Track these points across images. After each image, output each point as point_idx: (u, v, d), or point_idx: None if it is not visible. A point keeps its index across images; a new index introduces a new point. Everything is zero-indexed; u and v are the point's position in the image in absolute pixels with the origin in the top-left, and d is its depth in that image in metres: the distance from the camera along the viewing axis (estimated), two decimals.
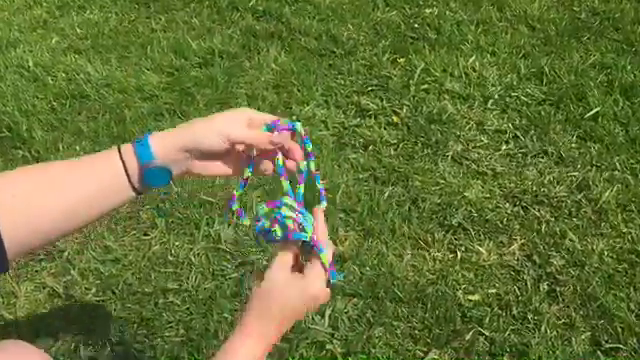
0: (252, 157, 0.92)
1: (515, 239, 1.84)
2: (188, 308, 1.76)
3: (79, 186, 0.83)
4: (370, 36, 2.67)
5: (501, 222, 1.89)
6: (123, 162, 0.85)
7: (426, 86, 2.38)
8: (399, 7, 2.81)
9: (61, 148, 2.32)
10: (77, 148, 2.32)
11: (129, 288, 1.84)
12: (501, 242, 1.84)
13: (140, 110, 2.45)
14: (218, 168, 0.92)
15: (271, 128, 0.89)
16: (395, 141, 2.19)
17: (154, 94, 2.51)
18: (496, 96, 2.29)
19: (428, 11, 2.75)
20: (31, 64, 2.72)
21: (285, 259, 0.90)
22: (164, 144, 0.85)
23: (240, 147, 0.91)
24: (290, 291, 0.87)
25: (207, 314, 1.73)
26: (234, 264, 1.87)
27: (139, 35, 2.83)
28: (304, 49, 2.65)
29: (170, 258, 1.90)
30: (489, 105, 2.26)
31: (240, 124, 0.88)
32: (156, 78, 2.59)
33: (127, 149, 0.86)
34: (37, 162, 2.29)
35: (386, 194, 2.01)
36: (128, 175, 0.85)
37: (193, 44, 2.72)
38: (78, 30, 2.94)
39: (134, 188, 0.86)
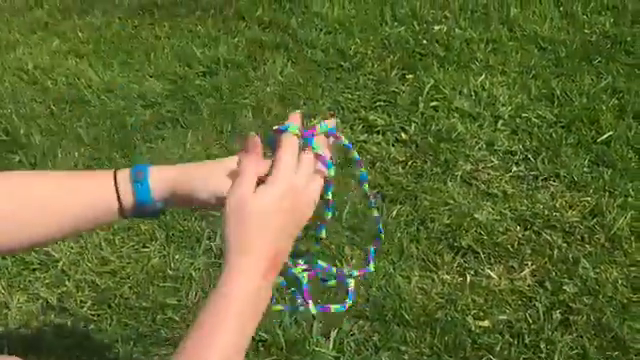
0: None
1: (526, 264, 1.79)
2: (187, 326, 1.69)
3: (66, 207, 0.80)
4: (378, 51, 2.63)
5: (512, 246, 1.84)
6: (118, 195, 0.80)
7: (435, 103, 2.34)
8: (408, 23, 2.78)
9: (59, 154, 2.26)
10: (76, 154, 2.26)
11: (126, 302, 1.77)
12: (512, 267, 1.79)
13: (142, 117, 2.40)
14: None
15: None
16: (403, 159, 2.14)
17: (157, 102, 2.46)
18: (506, 116, 2.25)
19: (437, 28, 2.72)
20: (30, 67, 2.66)
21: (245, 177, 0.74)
22: (162, 187, 0.80)
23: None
24: (258, 201, 0.72)
25: None
26: None
27: (142, 41, 2.79)
28: (311, 61, 2.61)
29: (169, 272, 1.84)
30: (499, 125, 2.22)
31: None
32: (159, 85, 2.53)
33: (124, 181, 0.80)
34: (34, 168, 2.22)
35: (394, 212, 1.95)
36: (121, 206, 0.80)
37: (198, 52, 2.67)
38: (80, 34, 2.88)
39: (123, 216, 0.82)
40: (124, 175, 0.80)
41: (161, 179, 0.81)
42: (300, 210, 0.75)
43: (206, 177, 0.80)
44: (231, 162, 0.80)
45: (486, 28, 2.69)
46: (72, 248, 1.94)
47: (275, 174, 0.74)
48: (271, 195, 0.73)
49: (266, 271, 0.72)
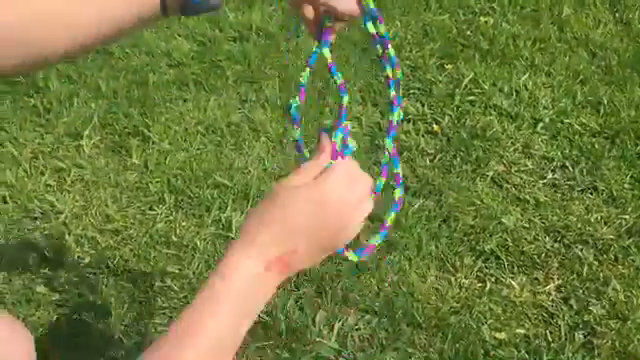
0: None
1: (552, 278, 1.67)
2: (186, 296, 1.60)
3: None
4: (418, 37, 2.50)
5: (539, 257, 1.72)
6: None
7: (472, 98, 2.21)
8: (453, 11, 2.64)
9: (75, 103, 2.17)
10: (92, 106, 2.17)
11: (125, 264, 1.68)
12: (536, 279, 1.67)
13: (165, 76, 2.30)
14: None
15: None
16: (432, 151, 2.02)
17: (182, 62, 2.36)
18: (547, 120, 2.11)
19: (483, 20, 2.58)
20: None
21: (306, 168, 0.67)
22: None
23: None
24: (296, 192, 0.63)
25: None
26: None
27: None
28: (346, 40, 2.48)
29: (174, 239, 1.75)
30: (538, 128, 2.09)
31: None
32: (187, 45, 2.43)
33: None
34: (48, 114, 2.14)
35: (416, 206, 1.84)
36: None
37: (230, 16, 2.56)
38: None
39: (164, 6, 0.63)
40: None
41: None
42: (341, 227, 0.64)
43: None
44: None
45: (535, 26, 2.54)
46: (77, 201, 1.86)
47: (325, 179, 0.64)
48: (311, 195, 0.63)
49: (272, 263, 0.61)
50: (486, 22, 2.57)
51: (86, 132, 2.05)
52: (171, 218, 1.81)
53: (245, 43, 2.45)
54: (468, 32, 2.52)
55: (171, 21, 2.55)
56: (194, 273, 1.66)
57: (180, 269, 1.67)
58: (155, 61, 2.36)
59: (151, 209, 1.84)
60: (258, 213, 0.63)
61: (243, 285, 0.59)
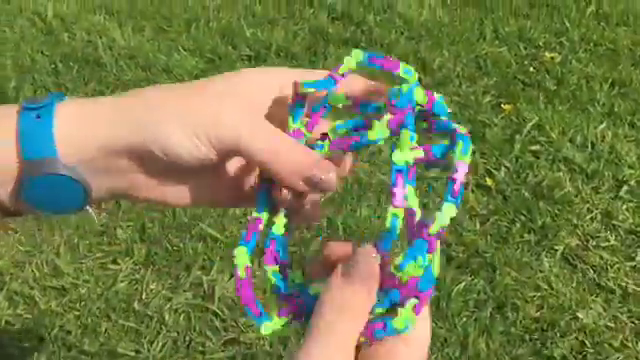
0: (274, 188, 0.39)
1: None
2: None
3: None
4: (470, 70, 2.08)
5: None
6: None
7: (537, 147, 1.77)
8: (512, 43, 2.21)
9: None
10: None
11: (65, 338, 1.25)
12: None
13: None
14: (188, 194, 0.42)
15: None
16: (485, 212, 1.57)
17: (184, 79, 1.96)
18: (633, 182, 1.65)
19: (549, 55, 2.14)
20: (50, 14, 2.21)
21: None
22: (83, 132, 0.38)
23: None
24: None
25: None
26: (222, 338, 1.27)
27: (186, 8, 2.31)
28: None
29: (136, 306, 1.32)
30: (622, 193, 1.63)
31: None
32: (192, 62, 2.04)
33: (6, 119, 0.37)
34: None
35: (461, 286, 1.38)
36: None
37: (247, 32, 2.17)
38: None
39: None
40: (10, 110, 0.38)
41: (84, 111, 0.38)
42: None
43: (188, 98, 0.38)
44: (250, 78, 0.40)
45: (612, 66, 2.10)
46: (22, 245, 1.45)
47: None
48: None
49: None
50: (552, 58, 2.13)
51: None
52: (137, 277, 1.38)
53: (262, 63, 2.06)
54: (531, 68, 2.09)
55: (178, 33, 2.18)
56: (154, 357, 1.22)
57: (137, 351, 1.23)
58: (152, 77, 1.97)
59: (114, 262, 1.42)
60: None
61: None
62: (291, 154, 0.38)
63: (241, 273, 0.38)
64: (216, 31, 2.17)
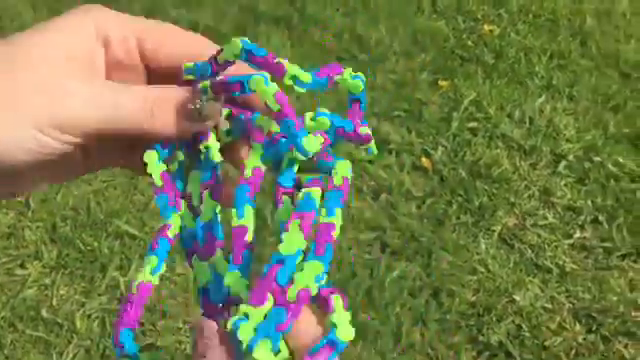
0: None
1: None
2: None
3: None
4: (407, 45, 2.01)
5: (566, 354, 1.20)
6: None
7: (474, 124, 1.71)
8: (450, 16, 2.15)
9: None
10: None
11: None
12: None
13: None
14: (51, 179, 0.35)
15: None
16: (421, 194, 1.51)
17: None
18: (571, 157, 1.61)
19: (488, 28, 2.08)
20: None
21: None
22: None
23: None
24: None
25: None
26: (139, 343, 1.17)
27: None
28: (317, 46, 1.99)
29: (45, 314, 1.21)
30: (561, 168, 1.59)
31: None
32: None
33: None
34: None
35: (395, 273, 1.32)
36: None
37: (173, 12, 2.05)
38: None
39: None
40: None
41: None
42: None
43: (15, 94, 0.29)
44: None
45: (552, 37, 2.05)
46: None
47: None
48: None
49: None
50: (491, 31, 2.08)
51: None
52: (47, 282, 1.27)
53: None
54: (469, 42, 2.03)
55: None
56: None
57: None
58: None
59: (22, 267, 1.30)
60: None
61: None
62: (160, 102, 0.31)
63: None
64: (139, 10, 2.04)
